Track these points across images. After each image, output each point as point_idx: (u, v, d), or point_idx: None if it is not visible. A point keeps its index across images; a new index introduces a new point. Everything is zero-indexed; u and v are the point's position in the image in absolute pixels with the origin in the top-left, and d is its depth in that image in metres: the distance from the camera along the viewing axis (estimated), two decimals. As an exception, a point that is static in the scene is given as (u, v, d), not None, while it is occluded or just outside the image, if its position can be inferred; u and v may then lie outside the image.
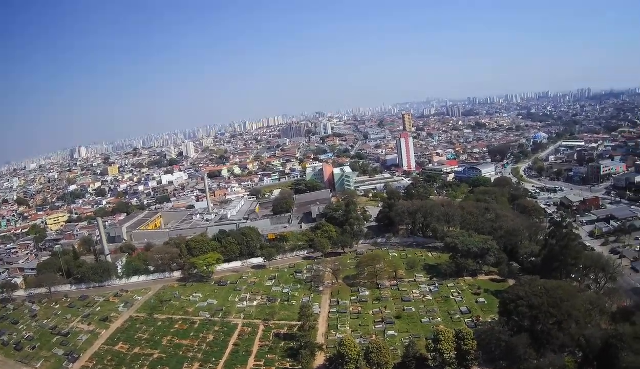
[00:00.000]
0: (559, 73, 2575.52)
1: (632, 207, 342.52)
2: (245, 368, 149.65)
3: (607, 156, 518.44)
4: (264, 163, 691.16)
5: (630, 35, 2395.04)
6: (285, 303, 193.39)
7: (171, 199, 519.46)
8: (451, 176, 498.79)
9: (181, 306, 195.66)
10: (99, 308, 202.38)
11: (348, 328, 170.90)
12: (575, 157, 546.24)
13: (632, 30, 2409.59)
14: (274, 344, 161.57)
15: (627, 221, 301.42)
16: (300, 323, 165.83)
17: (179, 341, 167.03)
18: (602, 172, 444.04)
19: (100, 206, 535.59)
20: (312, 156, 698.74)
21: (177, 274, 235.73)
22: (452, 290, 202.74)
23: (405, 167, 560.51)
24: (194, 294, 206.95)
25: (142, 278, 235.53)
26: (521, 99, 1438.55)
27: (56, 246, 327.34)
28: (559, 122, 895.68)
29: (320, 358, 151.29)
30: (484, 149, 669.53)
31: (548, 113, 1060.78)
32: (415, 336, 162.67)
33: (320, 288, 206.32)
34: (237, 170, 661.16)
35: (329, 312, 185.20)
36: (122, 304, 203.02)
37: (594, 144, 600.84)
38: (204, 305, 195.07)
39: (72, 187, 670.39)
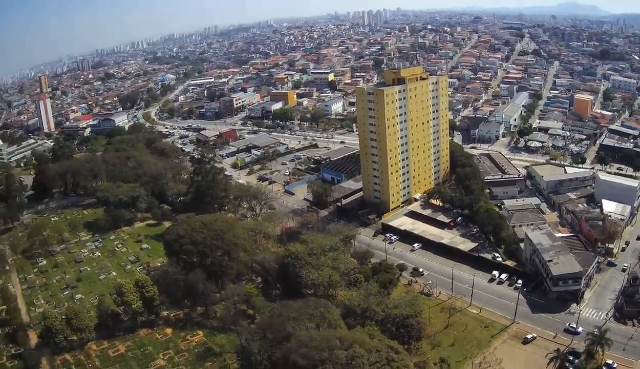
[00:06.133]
0: (182, 14, 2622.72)
1: (272, 134, 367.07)
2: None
3: (239, 89, 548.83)
4: None
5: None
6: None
7: None
8: (88, 130, 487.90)
9: None
10: None
11: (42, 301, 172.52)
12: (205, 94, 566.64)
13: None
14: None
15: (269, 148, 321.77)
16: (4, 307, 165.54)
17: None
18: (235, 105, 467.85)
19: None
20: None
21: None
22: (115, 242, 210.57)
23: (46, 130, 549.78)
24: None
25: None
26: (147, 44, 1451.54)
27: None
28: (186, 62, 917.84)
29: (34, 336, 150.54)
30: (115, 99, 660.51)
31: (174, 55, 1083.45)
32: (101, 295, 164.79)
33: (7, 268, 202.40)
34: None
35: (22, 289, 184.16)
36: None
37: (224, 79, 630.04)
38: None
39: None
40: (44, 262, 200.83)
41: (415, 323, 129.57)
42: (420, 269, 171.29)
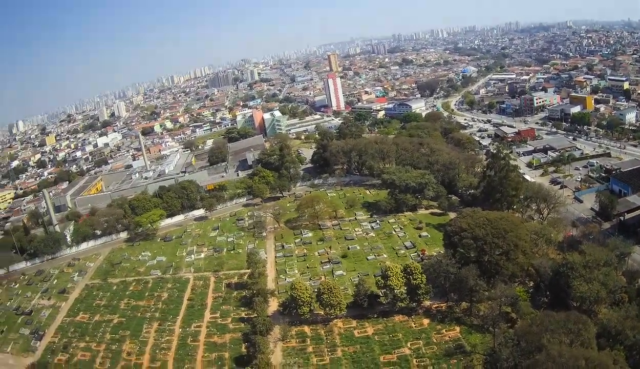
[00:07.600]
0: (486, 6, 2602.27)
1: (569, 137, 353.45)
2: (202, 323, 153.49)
3: (540, 88, 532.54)
4: (195, 115, 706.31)
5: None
6: (232, 252, 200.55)
7: (109, 161, 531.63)
8: (382, 113, 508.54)
9: (132, 267, 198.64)
10: (55, 281, 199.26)
11: (296, 271, 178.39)
12: (507, 90, 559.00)
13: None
14: (227, 295, 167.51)
15: (565, 151, 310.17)
16: (249, 270, 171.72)
17: (135, 303, 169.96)
18: (535, 104, 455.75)
19: (42, 177, 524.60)
20: (241, 104, 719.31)
21: (123, 235, 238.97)
22: (394, 226, 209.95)
23: (334, 108, 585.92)
24: (143, 254, 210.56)
25: (91, 243, 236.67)
26: (447, 34, 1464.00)
27: (7, 224, 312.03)
28: (487, 56, 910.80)
29: (273, 304, 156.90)
30: (413, 85, 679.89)
31: (476, 47, 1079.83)
32: (364, 274, 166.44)
33: (264, 234, 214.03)
34: (169, 124, 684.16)
35: (275, 257, 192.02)
36: (77, 273, 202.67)
37: (525, 77, 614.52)
38: (154, 263, 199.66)
39: (14, 163, 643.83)
40: (309, 234, 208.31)
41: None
42: None
